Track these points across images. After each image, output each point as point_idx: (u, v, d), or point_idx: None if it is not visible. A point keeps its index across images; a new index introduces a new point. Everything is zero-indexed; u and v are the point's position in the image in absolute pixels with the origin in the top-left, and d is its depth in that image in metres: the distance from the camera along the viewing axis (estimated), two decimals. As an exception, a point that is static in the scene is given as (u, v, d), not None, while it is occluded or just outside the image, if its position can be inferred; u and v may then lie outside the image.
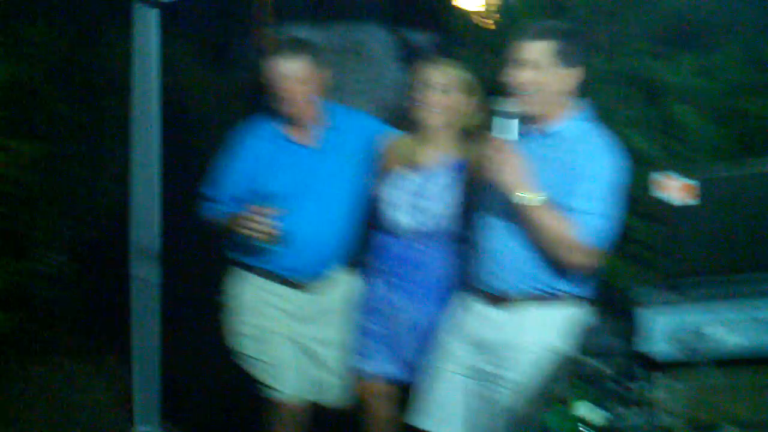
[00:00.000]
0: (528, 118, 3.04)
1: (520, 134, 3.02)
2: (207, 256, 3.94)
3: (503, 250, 3.15)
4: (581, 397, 2.54)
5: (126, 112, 4.42)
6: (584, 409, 2.52)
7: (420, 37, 6.14)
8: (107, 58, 5.61)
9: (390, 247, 3.65)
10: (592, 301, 3.21)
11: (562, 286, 3.14)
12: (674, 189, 2.65)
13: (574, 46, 3.03)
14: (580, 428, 2.52)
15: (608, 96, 4.16)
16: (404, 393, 3.65)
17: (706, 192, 2.66)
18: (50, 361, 5.51)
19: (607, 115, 4.13)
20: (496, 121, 2.93)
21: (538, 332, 3.13)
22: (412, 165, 3.63)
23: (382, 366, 3.67)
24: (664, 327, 2.50)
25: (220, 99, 5.77)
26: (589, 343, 2.65)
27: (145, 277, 4.50)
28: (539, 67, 2.99)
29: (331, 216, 3.66)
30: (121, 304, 4.50)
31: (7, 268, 4.25)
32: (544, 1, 4.61)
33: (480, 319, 3.25)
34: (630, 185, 4.03)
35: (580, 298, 3.17)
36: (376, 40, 6.19)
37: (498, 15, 4.79)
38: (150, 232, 4.49)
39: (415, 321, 3.60)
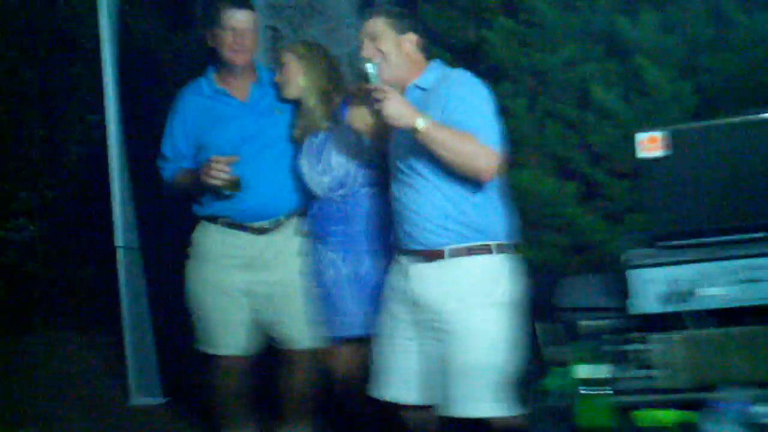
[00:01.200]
0: (393, 83, 3.30)
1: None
2: (183, 216, 3.93)
3: (419, 206, 3.25)
4: (580, 359, 2.56)
5: (79, 69, 4.35)
6: (583, 371, 2.55)
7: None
8: (59, 15, 5.50)
9: (313, 209, 3.79)
10: (515, 246, 3.28)
11: (478, 235, 3.21)
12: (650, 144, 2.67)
13: (402, 17, 3.39)
14: (582, 389, 2.55)
15: (571, 51, 4.19)
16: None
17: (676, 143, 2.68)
18: (41, 333, 5.47)
19: (570, 70, 4.23)
20: (368, 69, 3.23)
21: (471, 282, 3.19)
22: (308, 130, 3.78)
23: (337, 329, 3.71)
24: (655, 286, 2.53)
25: (179, 57, 5.67)
26: (581, 303, 2.67)
27: (128, 245, 4.51)
28: (377, 38, 3.33)
29: (276, 163, 3.82)
30: (99, 272, 4.45)
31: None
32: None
33: (412, 276, 3.31)
34: (599, 142, 4.13)
35: (500, 245, 3.24)
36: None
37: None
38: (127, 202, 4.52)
39: (340, 274, 3.67)
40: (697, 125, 2.83)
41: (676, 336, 2.46)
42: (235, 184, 3.68)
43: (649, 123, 3.68)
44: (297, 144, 3.82)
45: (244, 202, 3.76)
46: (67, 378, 5.12)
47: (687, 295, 2.50)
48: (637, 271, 2.55)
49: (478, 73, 3.47)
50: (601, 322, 2.58)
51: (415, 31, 3.40)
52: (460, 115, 3.17)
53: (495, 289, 3.17)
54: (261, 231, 3.83)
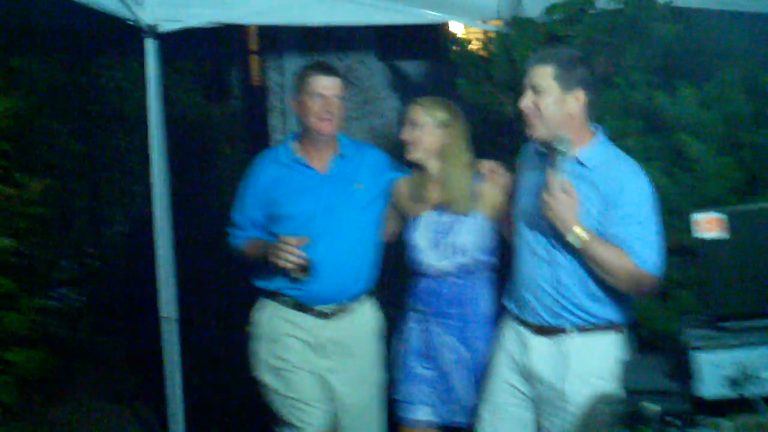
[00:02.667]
0: (546, 144, 3.14)
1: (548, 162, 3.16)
2: (224, 287, 3.95)
3: (548, 281, 3.21)
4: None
5: (122, 141, 4.40)
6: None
7: (413, 67, 6.22)
8: (103, 88, 5.59)
9: (425, 288, 3.68)
10: (631, 327, 3.27)
11: (602, 313, 3.20)
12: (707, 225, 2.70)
13: (572, 70, 3.12)
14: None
15: (611, 126, 4.24)
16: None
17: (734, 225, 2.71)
18: (73, 401, 5.46)
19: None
20: (557, 160, 3.04)
21: (582, 361, 3.19)
22: (428, 204, 3.67)
23: (429, 412, 3.67)
24: (717, 369, 2.54)
25: (217, 127, 5.78)
26: (643, 385, 2.68)
27: (170, 316, 4.48)
28: (539, 91, 3.10)
29: (349, 244, 3.70)
30: (137, 341, 4.45)
31: (26, 305, 4.20)
32: (539, 32, 4.68)
33: (526, 348, 3.29)
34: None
35: (620, 325, 3.23)
36: (368, 68, 6.25)
37: (493, 46, 4.84)
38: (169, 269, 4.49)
39: (460, 359, 3.62)
40: (756, 207, 2.87)
41: (750, 421, 2.47)
42: (305, 269, 3.52)
43: (694, 199, 3.73)
44: (375, 222, 3.71)
45: (313, 284, 3.62)
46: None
47: (756, 378, 2.51)
48: (702, 353, 2.57)
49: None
50: (667, 406, 2.58)
51: (586, 87, 3.15)
52: (625, 230, 3.02)
53: (617, 368, 3.09)
54: (324, 315, 3.70)
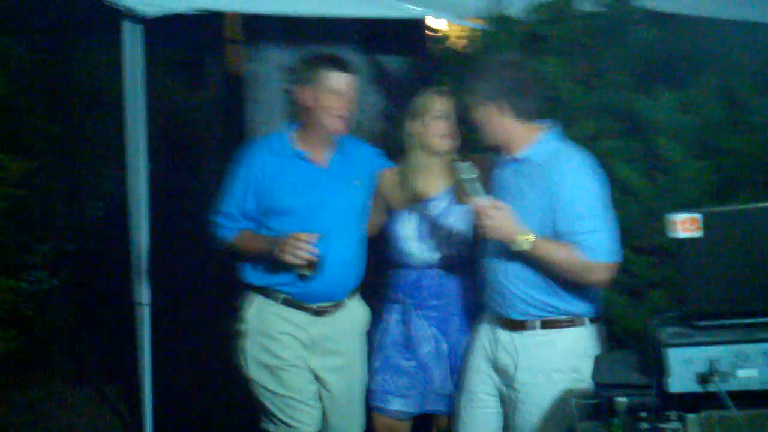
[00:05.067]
0: (497, 148, 3.28)
1: (499, 164, 3.29)
2: (200, 275, 3.93)
3: (509, 277, 3.26)
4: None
5: (104, 126, 4.37)
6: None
7: (394, 62, 6.23)
8: (83, 71, 5.55)
9: (407, 279, 3.69)
10: (597, 320, 3.31)
11: (565, 307, 3.25)
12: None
13: (484, 84, 3.27)
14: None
15: (592, 127, 4.28)
16: (426, 425, 3.69)
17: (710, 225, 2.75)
18: (42, 384, 5.43)
19: (591, 146, 4.30)
20: (467, 186, 3.17)
21: (545, 355, 3.24)
22: (415, 196, 3.67)
23: (405, 403, 3.69)
24: (688, 365, 2.58)
25: (195, 114, 5.77)
26: (618, 379, 2.71)
27: (142, 301, 4.44)
28: (470, 109, 3.28)
29: (348, 240, 3.66)
30: (109, 325, 4.43)
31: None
32: (520, 31, 4.71)
33: (496, 342, 3.33)
34: (621, 218, 4.18)
35: (585, 318, 3.28)
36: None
37: (475, 43, 4.86)
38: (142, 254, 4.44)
39: (439, 350, 3.64)
40: (730, 209, 2.91)
41: (714, 416, 2.51)
42: (314, 266, 3.45)
43: (670, 201, 3.77)
44: (364, 217, 3.68)
45: (312, 280, 3.54)
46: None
47: (725, 375, 2.55)
48: (676, 349, 2.61)
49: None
50: (637, 400, 2.62)
51: (506, 94, 3.22)
52: (572, 225, 3.09)
53: (582, 364, 3.17)
54: (319, 312, 3.64)
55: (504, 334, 3.31)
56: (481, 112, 3.25)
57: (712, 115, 4.14)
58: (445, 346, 3.64)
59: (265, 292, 3.65)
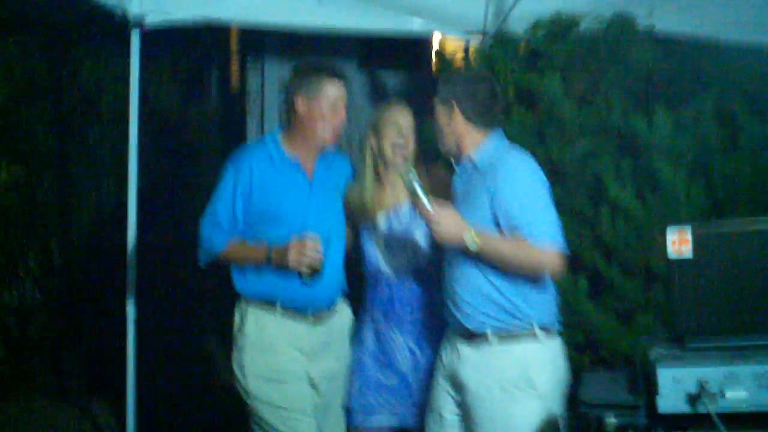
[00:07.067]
0: (451, 153, 3.37)
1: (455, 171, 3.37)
2: (189, 291, 3.86)
3: (463, 289, 3.27)
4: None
5: (96, 134, 4.32)
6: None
7: (394, 76, 6.25)
8: (81, 81, 5.56)
9: (381, 294, 3.67)
10: (554, 333, 3.28)
11: (521, 316, 3.23)
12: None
13: (442, 88, 3.36)
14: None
15: (586, 145, 4.29)
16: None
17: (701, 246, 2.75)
18: (29, 401, 5.39)
19: (585, 164, 4.32)
20: (409, 190, 3.23)
21: (502, 368, 3.21)
22: (373, 209, 3.67)
23: (387, 419, 3.66)
24: (678, 386, 2.58)
25: (194, 127, 5.75)
26: (607, 399, 2.70)
27: (128, 316, 4.38)
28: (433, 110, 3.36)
29: (336, 245, 3.64)
30: (93, 340, 4.32)
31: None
32: (521, 48, 4.73)
33: (458, 356, 3.33)
34: (611, 237, 4.18)
35: (542, 330, 3.25)
36: (348, 77, 6.24)
37: (475, 59, 4.88)
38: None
39: (417, 363, 3.62)
40: (721, 231, 2.90)
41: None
42: (316, 271, 3.45)
43: (662, 221, 3.76)
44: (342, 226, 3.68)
45: (311, 289, 3.50)
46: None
47: (714, 396, 2.55)
48: (666, 369, 2.60)
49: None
50: (626, 420, 2.61)
51: (458, 100, 3.30)
52: (515, 219, 3.15)
53: (538, 378, 3.16)
54: (318, 320, 3.61)
55: (463, 347, 3.31)
56: (437, 114, 3.36)
57: (707, 137, 4.15)
58: (423, 360, 3.63)
59: (263, 303, 3.60)
